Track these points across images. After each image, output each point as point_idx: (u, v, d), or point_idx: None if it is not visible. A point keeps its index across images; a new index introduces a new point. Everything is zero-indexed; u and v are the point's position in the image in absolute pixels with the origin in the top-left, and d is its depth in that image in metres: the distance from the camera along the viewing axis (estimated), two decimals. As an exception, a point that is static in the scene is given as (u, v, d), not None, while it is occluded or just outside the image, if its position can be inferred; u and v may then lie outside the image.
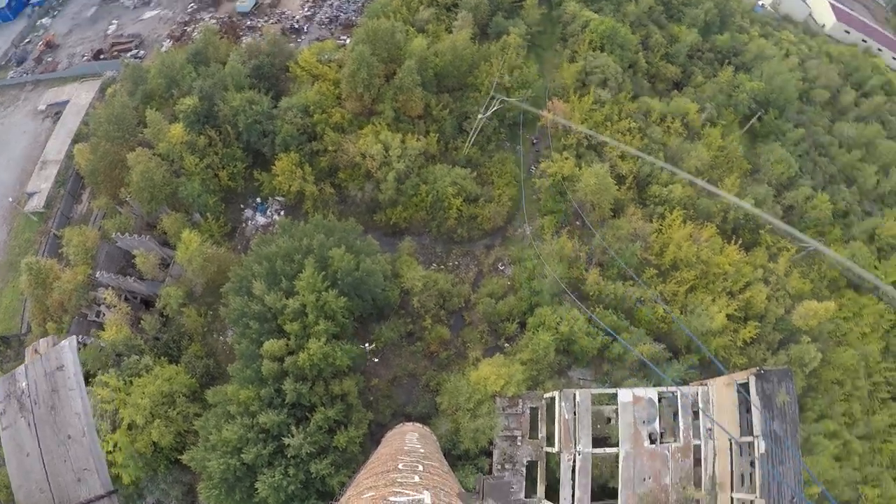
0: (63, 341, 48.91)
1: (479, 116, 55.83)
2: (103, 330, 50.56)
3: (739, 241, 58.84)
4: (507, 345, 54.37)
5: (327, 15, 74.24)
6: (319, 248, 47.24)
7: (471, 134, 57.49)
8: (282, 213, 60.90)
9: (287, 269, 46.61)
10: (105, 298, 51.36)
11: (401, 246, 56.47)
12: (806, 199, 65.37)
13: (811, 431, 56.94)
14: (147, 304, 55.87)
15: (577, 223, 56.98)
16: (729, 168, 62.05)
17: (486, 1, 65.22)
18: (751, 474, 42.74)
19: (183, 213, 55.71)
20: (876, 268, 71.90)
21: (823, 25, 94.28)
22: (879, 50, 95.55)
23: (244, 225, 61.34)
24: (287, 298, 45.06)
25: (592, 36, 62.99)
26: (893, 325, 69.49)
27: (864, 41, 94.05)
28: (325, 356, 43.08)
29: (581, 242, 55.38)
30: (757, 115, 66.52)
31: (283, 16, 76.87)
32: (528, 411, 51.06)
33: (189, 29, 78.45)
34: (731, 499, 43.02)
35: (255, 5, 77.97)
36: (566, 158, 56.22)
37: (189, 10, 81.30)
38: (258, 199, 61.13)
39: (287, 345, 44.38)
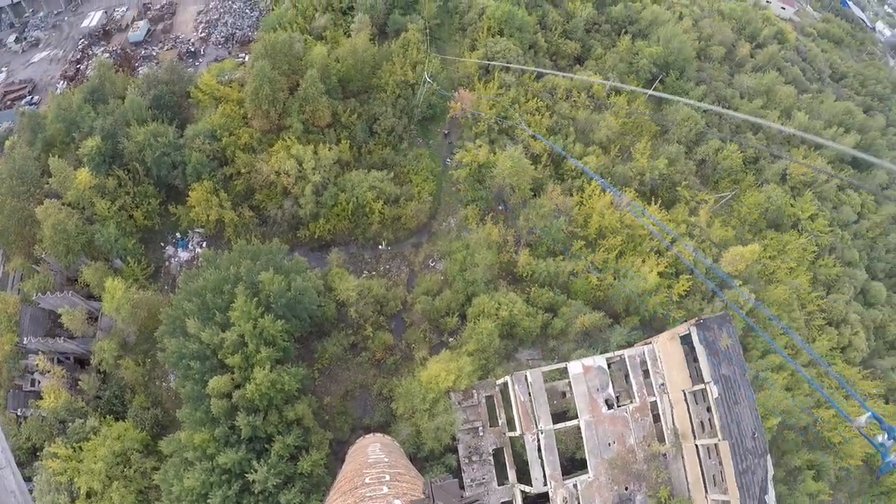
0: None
1: (423, 86, 54.43)
2: (41, 398, 47.93)
3: (659, 201, 60.85)
4: (451, 339, 54.19)
5: (223, 34, 71.88)
6: (247, 274, 46.11)
7: (418, 100, 55.76)
8: (204, 244, 58.71)
9: (218, 301, 45.28)
10: (37, 365, 48.73)
11: (329, 259, 55.38)
12: (716, 151, 68.37)
13: (758, 368, 59.62)
14: (82, 362, 53.12)
15: (500, 208, 57.38)
16: (639, 132, 64.08)
17: (382, 0, 64.70)
18: (709, 419, 44.20)
19: (103, 261, 53.10)
20: (792, 206, 76.29)
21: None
22: (768, 2, 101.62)
23: (167, 263, 58.80)
24: (223, 332, 43.79)
25: (490, 22, 63.60)
26: (817, 256, 73.94)
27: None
28: (273, 383, 42.15)
29: (506, 226, 55.76)
30: (659, 79, 68.94)
31: (177, 40, 73.89)
32: (483, 401, 51.05)
33: (83, 66, 74.21)
34: (696, 446, 44.52)
35: (147, 33, 74.71)
36: (479, 146, 56.52)
37: (80, 47, 76.92)
38: (178, 235, 58.71)
39: (232, 379, 43.15)
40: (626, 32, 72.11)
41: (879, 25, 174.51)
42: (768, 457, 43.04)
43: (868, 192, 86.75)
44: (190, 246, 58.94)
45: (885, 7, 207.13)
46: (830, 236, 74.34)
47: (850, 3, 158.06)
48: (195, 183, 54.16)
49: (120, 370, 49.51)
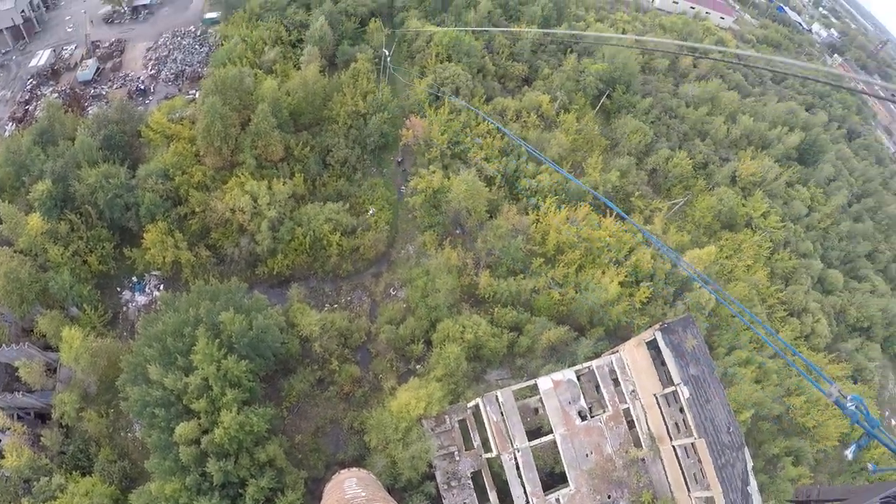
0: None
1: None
2: (3, 458, 45.48)
3: (614, 213, 62.08)
4: (418, 366, 53.87)
5: (172, 71, 71.26)
6: (208, 315, 45.19)
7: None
8: (161, 287, 57.28)
9: (179, 345, 44.17)
10: None
11: (289, 294, 54.64)
12: (666, 160, 70.53)
13: (726, 365, 60.92)
14: (43, 417, 50.75)
15: (458, 232, 57.75)
16: (590, 147, 65.68)
17: (330, 31, 65.29)
18: (683, 420, 44.94)
19: (58, 309, 51.29)
20: (744, 205, 79.01)
21: (653, 0, 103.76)
22: (707, 13, 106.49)
23: (125, 308, 57.09)
24: (187, 376, 42.68)
25: (438, 48, 64.74)
26: (773, 251, 76.51)
27: (693, 8, 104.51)
28: (241, 426, 41.12)
29: (465, 249, 56.09)
30: (606, 94, 71.04)
31: (127, 78, 72.75)
32: (457, 425, 50.68)
33: (31, 107, 72.17)
34: (673, 447, 44.99)
35: (96, 72, 73.33)
36: (433, 172, 57.02)
37: (28, 87, 74.99)
38: (134, 278, 57.18)
39: (199, 424, 41.93)
40: (571, 51, 74.30)
41: (815, 27, 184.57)
42: (745, 449, 43.97)
43: (816, 186, 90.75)
44: (147, 289, 57.51)
45: (820, 9, 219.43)
46: (784, 231, 77.16)
47: (786, 8, 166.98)
48: (149, 224, 53.20)
49: (83, 423, 47.81)
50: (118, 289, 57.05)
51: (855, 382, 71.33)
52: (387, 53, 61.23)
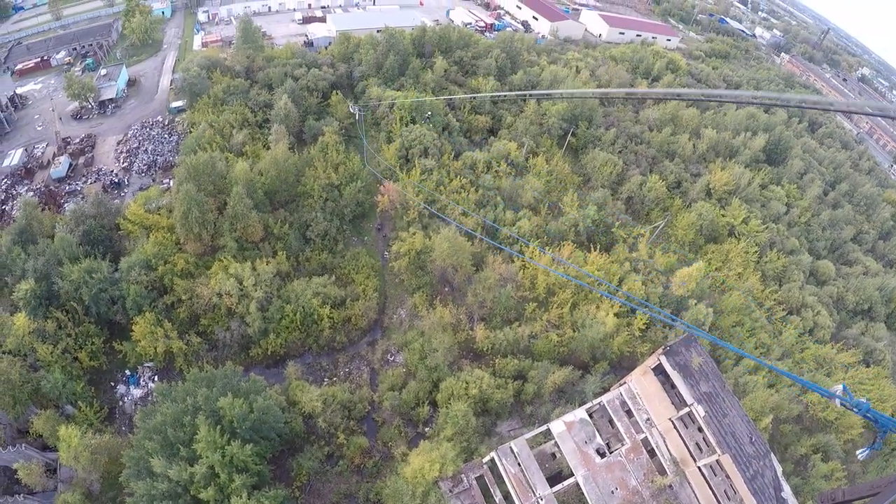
0: None
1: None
2: None
3: (598, 246, 62.80)
4: (427, 429, 52.56)
5: (144, 162, 72.07)
6: (206, 402, 43.99)
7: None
8: (155, 378, 55.93)
9: (180, 434, 42.76)
10: None
11: (286, 373, 53.67)
12: (640, 186, 72.03)
13: (736, 376, 60.23)
14: None
15: (447, 289, 57.67)
16: (563, 187, 67.02)
17: (294, 108, 67.16)
18: (704, 438, 43.60)
19: (53, 408, 49.67)
20: (723, 216, 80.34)
21: (600, 35, 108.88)
22: (654, 38, 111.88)
23: (121, 403, 55.45)
24: (192, 465, 41.05)
25: (401, 112, 66.69)
26: (760, 255, 77.19)
27: (639, 35, 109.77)
28: None
29: (456, 306, 55.87)
30: (570, 132, 73.23)
31: (100, 173, 73.23)
32: (475, 482, 48.89)
33: (7, 207, 71.94)
34: (699, 468, 43.56)
35: (70, 168, 73.65)
36: (414, 233, 57.51)
37: (3, 187, 74.97)
38: (127, 371, 55.84)
39: None
40: (530, 97, 77.01)
41: (759, 31, 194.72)
42: (772, 455, 42.62)
43: (790, 182, 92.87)
44: (142, 382, 56.29)
45: (760, 13, 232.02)
46: (767, 233, 78.23)
47: (728, 20, 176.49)
48: (137, 316, 52.71)
49: None
50: (112, 383, 55.76)
51: (868, 365, 70.59)
52: (359, 109, 62.16)
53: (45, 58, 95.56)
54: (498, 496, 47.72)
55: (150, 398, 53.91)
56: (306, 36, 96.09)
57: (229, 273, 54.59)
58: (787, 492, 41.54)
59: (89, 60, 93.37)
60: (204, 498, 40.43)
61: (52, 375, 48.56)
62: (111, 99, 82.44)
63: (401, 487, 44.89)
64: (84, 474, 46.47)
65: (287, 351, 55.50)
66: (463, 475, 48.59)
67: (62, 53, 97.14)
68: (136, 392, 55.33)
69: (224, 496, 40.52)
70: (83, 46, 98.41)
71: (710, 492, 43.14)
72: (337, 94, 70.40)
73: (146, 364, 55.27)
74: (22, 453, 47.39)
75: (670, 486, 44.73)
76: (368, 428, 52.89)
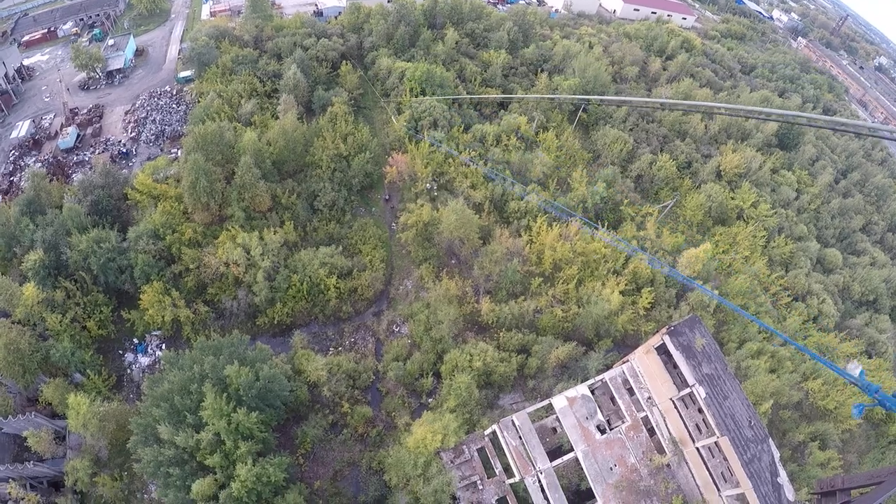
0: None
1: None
2: None
3: (606, 223, 62.44)
4: (430, 400, 53.13)
5: (152, 132, 71.82)
6: (213, 370, 44.57)
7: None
8: (163, 346, 56.72)
9: (187, 402, 43.46)
10: (10, 493, 45.05)
11: (292, 342, 54.15)
12: (650, 165, 71.19)
13: (738, 359, 60.33)
14: (56, 485, 49.23)
15: (453, 262, 57.66)
16: (573, 163, 66.32)
17: (304, 78, 66.38)
18: (703, 420, 44.03)
19: (62, 377, 50.54)
20: (732, 198, 79.53)
21: (614, 11, 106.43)
22: (669, 16, 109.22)
23: (129, 371, 56.29)
24: (198, 433, 41.91)
25: (411, 84, 65.77)
26: (768, 240, 76.66)
27: (654, 13, 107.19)
28: (258, 477, 40.24)
29: (462, 278, 55.93)
30: (581, 108, 72.17)
31: (108, 143, 73.19)
32: (476, 454, 49.70)
33: (16, 178, 72.29)
34: (697, 448, 44.06)
35: (77, 138, 73.57)
36: (422, 205, 57.25)
37: (11, 159, 75.28)
38: (135, 340, 56.51)
39: (216, 480, 40.92)
40: (542, 71, 75.75)
41: (776, 14, 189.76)
42: (770, 440, 42.96)
43: (801, 168, 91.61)
44: (149, 350, 56.98)
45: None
46: (776, 218, 77.46)
47: (745, 1, 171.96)
48: (145, 285, 53.04)
49: (97, 488, 46.64)
50: (120, 352, 56.49)
51: (870, 357, 70.65)
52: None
53: (52, 29, 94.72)
54: (498, 468, 48.51)
55: (157, 366, 54.62)
56: (316, 5, 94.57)
57: (237, 242, 54.74)
58: (783, 477, 41.87)
59: (97, 31, 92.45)
60: (210, 464, 41.26)
61: (60, 344, 49.26)
62: (119, 69, 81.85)
63: (403, 457, 45.57)
64: (92, 441, 47.66)
65: (293, 320, 55.89)
66: (465, 446, 49.39)
67: (69, 24, 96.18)
68: (144, 360, 56.05)
69: (230, 462, 41.30)
70: (90, 17, 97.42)
71: (707, 472, 43.63)
72: (347, 64, 69.43)
73: (154, 332, 55.91)
74: (32, 421, 48.29)
75: (668, 465, 45.26)
76: (372, 397, 53.52)
